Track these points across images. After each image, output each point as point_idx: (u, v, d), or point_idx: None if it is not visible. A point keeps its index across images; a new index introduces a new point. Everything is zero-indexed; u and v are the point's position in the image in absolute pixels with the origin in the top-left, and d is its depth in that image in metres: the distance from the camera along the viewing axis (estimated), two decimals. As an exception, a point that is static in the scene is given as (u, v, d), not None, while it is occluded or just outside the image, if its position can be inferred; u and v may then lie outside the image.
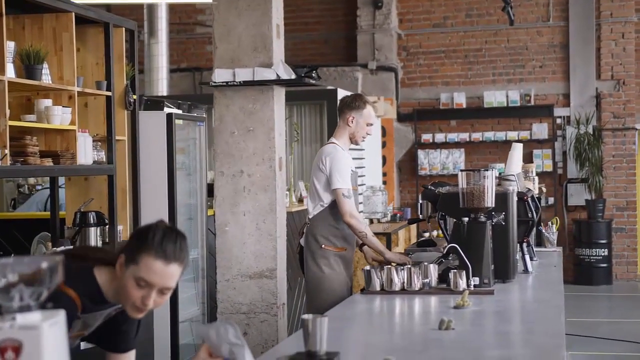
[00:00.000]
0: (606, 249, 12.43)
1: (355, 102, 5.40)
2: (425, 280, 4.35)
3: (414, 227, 11.76)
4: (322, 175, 5.24)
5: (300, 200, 8.36)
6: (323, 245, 5.27)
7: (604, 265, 12.45)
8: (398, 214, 11.41)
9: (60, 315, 1.86)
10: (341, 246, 5.31)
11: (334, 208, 5.25)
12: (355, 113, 5.37)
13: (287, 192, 8.16)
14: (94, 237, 5.61)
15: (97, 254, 2.79)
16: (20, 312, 1.81)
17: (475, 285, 4.31)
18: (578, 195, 12.77)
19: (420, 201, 5.26)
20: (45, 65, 5.07)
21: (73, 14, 5.36)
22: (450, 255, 4.52)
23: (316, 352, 2.77)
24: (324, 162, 5.26)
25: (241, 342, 2.61)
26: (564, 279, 12.18)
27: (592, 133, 12.51)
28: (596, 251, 12.41)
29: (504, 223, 4.60)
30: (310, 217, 5.36)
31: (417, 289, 4.30)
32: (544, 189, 10.88)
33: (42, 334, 1.79)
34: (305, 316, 2.77)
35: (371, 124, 5.45)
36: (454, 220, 4.63)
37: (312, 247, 5.31)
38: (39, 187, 9.21)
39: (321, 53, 13.72)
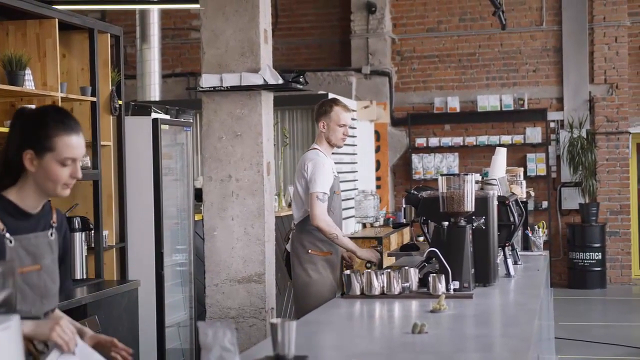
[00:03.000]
0: (600, 253, 12.44)
1: (322, 107, 5.53)
2: (406, 284, 4.35)
3: (406, 231, 11.78)
4: (305, 181, 5.36)
5: (290, 205, 8.37)
6: (310, 251, 5.34)
7: (598, 269, 12.46)
8: (391, 218, 11.43)
9: (14, 320, 1.88)
10: (327, 250, 5.36)
11: None
12: (324, 118, 5.50)
13: (277, 197, 8.19)
14: (79, 242, 5.61)
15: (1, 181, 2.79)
16: (-28, 317, 1.83)
17: (455, 289, 4.32)
18: (572, 199, 12.78)
19: (404, 205, 5.28)
20: (28, 71, 5.09)
21: (56, 20, 5.37)
22: (432, 259, 4.53)
23: (284, 355, 2.80)
24: (305, 168, 5.37)
25: (234, 349, 2.62)
26: (558, 282, 12.30)
27: (585, 137, 12.52)
28: (590, 255, 12.41)
29: (484, 227, 4.61)
30: (295, 222, 5.42)
31: (396, 293, 4.30)
32: (532, 193, 10.89)
33: (-7, 338, 1.80)
34: (273, 320, 2.80)
35: (344, 125, 5.50)
36: (435, 224, 4.65)
37: (298, 252, 5.36)
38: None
39: (315, 58, 13.75)
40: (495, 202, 4.77)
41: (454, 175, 4.54)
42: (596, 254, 12.42)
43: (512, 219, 5.11)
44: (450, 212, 4.49)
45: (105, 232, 5.87)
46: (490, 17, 12.69)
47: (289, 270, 5.50)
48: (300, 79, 6.21)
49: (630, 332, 9.62)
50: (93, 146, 5.80)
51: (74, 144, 2.75)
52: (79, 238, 5.62)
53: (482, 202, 4.62)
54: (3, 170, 2.76)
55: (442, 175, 4.57)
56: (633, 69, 12.87)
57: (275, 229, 6.06)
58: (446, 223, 4.49)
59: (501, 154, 5.59)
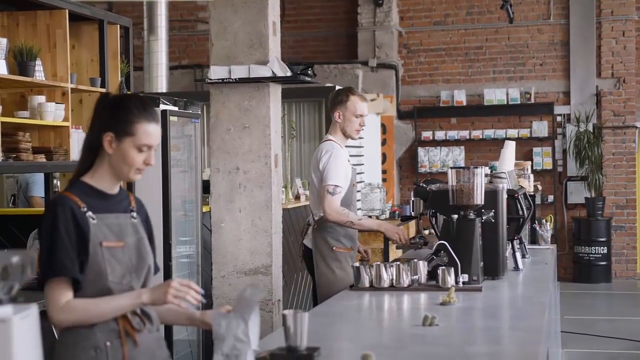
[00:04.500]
0: (605, 247, 12.44)
1: (338, 96, 5.38)
2: (415, 277, 4.36)
3: (413, 224, 11.78)
4: (319, 173, 5.26)
5: (297, 197, 8.39)
6: (334, 248, 5.23)
7: (604, 263, 12.46)
8: (397, 211, 11.43)
9: (33, 309, 1.88)
10: (350, 246, 5.29)
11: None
12: (340, 108, 5.35)
13: (284, 189, 8.19)
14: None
15: (77, 168, 2.94)
16: (-10, 306, 1.84)
17: (464, 282, 4.32)
18: (578, 193, 12.77)
19: (412, 198, 5.27)
20: (38, 62, 5.10)
21: (67, 10, 5.38)
22: (441, 252, 4.53)
23: (296, 347, 2.80)
24: (321, 159, 5.25)
25: (247, 340, 2.63)
26: (563, 277, 12.28)
27: (592, 131, 12.51)
28: (595, 249, 12.41)
29: (493, 220, 4.61)
30: (316, 218, 5.29)
31: (405, 285, 4.31)
32: (540, 187, 10.88)
33: (13, 327, 1.81)
34: (286, 312, 2.80)
35: (360, 115, 5.35)
36: (444, 217, 4.65)
37: (322, 248, 5.26)
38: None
39: (322, 50, 13.74)
40: (505, 196, 4.78)
41: (463, 168, 4.53)
42: (602, 248, 12.41)
43: (520, 212, 5.11)
44: (459, 205, 4.49)
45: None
46: (497, 10, 12.67)
47: (309, 266, 5.42)
48: (309, 72, 6.21)
49: (635, 326, 9.62)
50: (102, 137, 5.81)
51: (153, 132, 2.86)
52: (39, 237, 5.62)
53: (491, 195, 4.62)
54: (83, 153, 2.91)
55: (451, 168, 4.57)
56: (640, 63, 12.86)
57: (282, 221, 6.07)
58: (455, 216, 4.49)
59: (510, 147, 5.58)
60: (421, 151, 13.13)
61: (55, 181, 6.32)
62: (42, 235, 2.80)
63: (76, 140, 5.42)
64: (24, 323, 1.84)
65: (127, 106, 2.85)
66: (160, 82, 10.28)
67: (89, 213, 2.83)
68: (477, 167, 4.52)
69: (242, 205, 5.91)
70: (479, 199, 4.48)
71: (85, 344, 2.81)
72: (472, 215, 4.50)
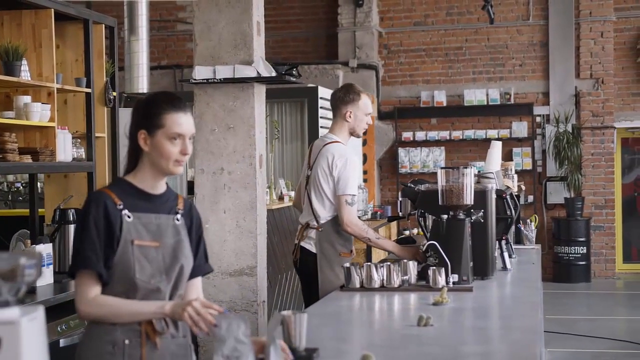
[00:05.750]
0: (585, 247, 12.52)
1: (349, 94, 5.14)
2: (405, 277, 4.36)
3: (394, 224, 11.81)
4: (332, 180, 5.02)
5: (281, 198, 8.37)
6: (341, 253, 5.08)
7: (583, 262, 12.54)
8: (379, 212, 11.45)
9: (39, 311, 1.86)
10: (350, 250, 5.20)
11: None
12: (351, 107, 5.13)
13: (268, 190, 8.17)
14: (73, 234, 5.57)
15: (127, 166, 3.01)
16: (-2, 308, 1.81)
17: (454, 283, 4.33)
18: (557, 194, 12.85)
19: (400, 199, 5.25)
20: (24, 62, 5.05)
21: (52, 10, 5.33)
22: (429, 252, 4.53)
23: (296, 348, 2.80)
24: (334, 165, 5.01)
25: (248, 341, 2.62)
26: (543, 276, 12.32)
27: (571, 131, 12.59)
28: (575, 249, 12.49)
29: (482, 220, 4.62)
30: (322, 221, 5.08)
31: (396, 286, 4.31)
32: (523, 187, 10.94)
33: (21, 329, 1.78)
34: (285, 312, 2.79)
35: (369, 113, 5.19)
36: (433, 217, 4.65)
37: (328, 253, 5.07)
38: (18, 185, 9.15)
39: (302, 51, 13.73)
40: (494, 196, 4.79)
41: (453, 168, 4.54)
42: (581, 248, 12.49)
43: (509, 212, 5.12)
44: (449, 205, 4.50)
45: (99, 224, 5.83)
46: (477, 11, 12.72)
47: (305, 269, 5.17)
48: (294, 72, 6.20)
49: (615, 325, 9.69)
50: (88, 138, 5.76)
51: (182, 121, 2.91)
52: (72, 230, 5.58)
53: (480, 195, 4.64)
54: (127, 156, 2.99)
55: (441, 168, 4.57)
56: (618, 64, 12.94)
57: (266, 222, 6.05)
58: (445, 216, 4.50)
59: (497, 148, 5.60)
60: (402, 152, 13.15)
61: (39, 184, 6.27)
62: (75, 229, 2.91)
63: (62, 141, 5.37)
64: (32, 325, 1.82)
65: (154, 101, 2.95)
66: (141, 82, 10.22)
67: (125, 211, 2.89)
68: (466, 167, 4.53)
69: (226, 206, 5.89)
70: (469, 199, 4.49)
71: (105, 338, 2.87)
72: (461, 216, 4.51)
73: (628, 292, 12.18)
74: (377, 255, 9.17)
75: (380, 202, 13.20)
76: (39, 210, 5.96)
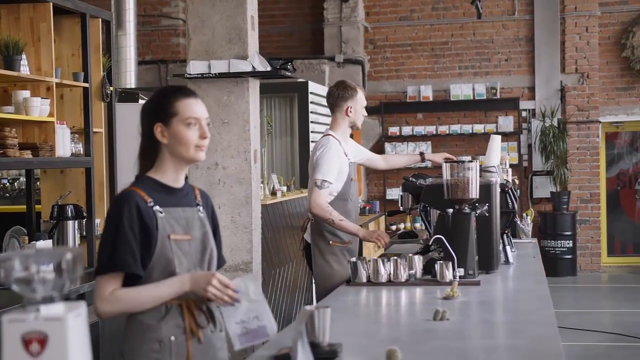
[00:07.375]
0: (571, 241, 12.58)
1: (347, 91, 5.37)
2: (411, 271, 4.35)
3: (382, 219, 11.80)
4: (313, 167, 5.21)
5: (274, 193, 8.33)
6: (331, 242, 5.22)
7: (569, 256, 12.60)
8: (367, 207, 11.45)
9: (82, 307, 1.84)
10: (348, 240, 5.25)
11: (338, 202, 5.19)
12: (351, 102, 5.38)
13: (261, 185, 8.14)
14: (72, 230, 5.53)
15: (139, 168, 3.00)
16: (43, 304, 1.79)
17: (460, 276, 4.32)
18: (543, 188, 12.90)
19: (401, 193, 5.24)
20: (23, 56, 4.99)
21: (51, 4, 5.27)
22: (433, 246, 4.52)
23: (319, 343, 2.78)
24: (316, 154, 5.22)
25: (261, 298, 2.61)
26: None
27: (557, 126, 12.64)
28: (561, 243, 12.55)
29: (487, 214, 4.62)
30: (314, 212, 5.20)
31: (403, 280, 4.30)
32: (517, 181, 10.99)
33: (67, 325, 1.77)
34: (309, 307, 2.76)
35: (364, 106, 5.49)
36: (438, 211, 4.64)
37: (319, 242, 5.24)
38: (4, 181, 9.06)
39: (288, 46, 13.70)
40: (498, 189, 4.80)
41: (458, 162, 4.53)
42: (567, 241, 12.56)
43: (511, 205, 5.13)
44: (454, 199, 4.50)
45: (97, 220, 5.79)
46: (462, 5, 12.75)
47: (309, 259, 5.36)
48: (288, 67, 6.19)
49: (601, 319, 9.75)
50: (85, 133, 5.71)
51: (194, 105, 2.91)
52: (71, 226, 5.54)
53: (485, 189, 4.64)
54: (141, 155, 2.96)
55: (446, 162, 4.57)
56: (603, 58, 13.00)
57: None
58: (451, 210, 4.49)
59: (496, 141, 5.60)
60: (388, 146, 13.15)
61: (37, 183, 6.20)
62: (106, 229, 2.84)
63: (61, 136, 5.32)
64: (77, 321, 1.80)
65: (163, 94, 2.95)
66: (129, 77, 10.15)
67: (156, 207, 2.87)
68: (471, 161, 4.53)
69: (221, 201, 5.87)
70: (474, 192, 4.49)
71: (150, 336, 2.84)
72: (467, 209, 4.50)
73: (614, 285, 12.25)
74: (367, 248, 9.17)
75: (367, 197, 13.19)
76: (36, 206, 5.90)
